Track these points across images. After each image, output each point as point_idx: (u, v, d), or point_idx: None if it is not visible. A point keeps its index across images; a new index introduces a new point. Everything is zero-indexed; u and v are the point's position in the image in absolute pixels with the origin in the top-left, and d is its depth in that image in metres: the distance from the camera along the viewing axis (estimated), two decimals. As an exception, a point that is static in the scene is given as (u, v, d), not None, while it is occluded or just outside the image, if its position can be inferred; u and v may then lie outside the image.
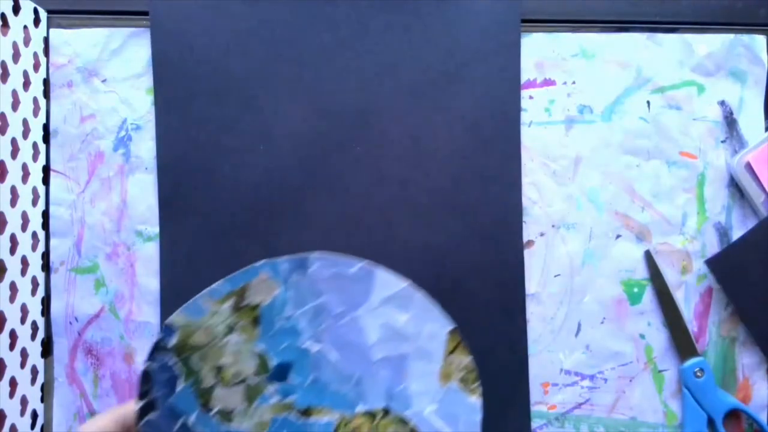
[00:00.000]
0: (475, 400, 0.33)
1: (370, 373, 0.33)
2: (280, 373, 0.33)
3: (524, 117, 0.40)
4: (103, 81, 0.40)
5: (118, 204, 0.39)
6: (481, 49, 0.40)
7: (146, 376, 0.31)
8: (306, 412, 0.33)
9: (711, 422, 0.39)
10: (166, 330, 0.32)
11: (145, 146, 0.40)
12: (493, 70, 0.40)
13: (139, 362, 0.39)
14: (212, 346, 0.33)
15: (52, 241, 0.39)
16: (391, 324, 0.34)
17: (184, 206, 0.39)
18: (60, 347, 0.39)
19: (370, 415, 0.33)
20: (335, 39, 0.39)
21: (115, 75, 0.40)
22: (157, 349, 0.32)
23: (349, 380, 0.33)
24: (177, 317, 0.32)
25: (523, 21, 0.41)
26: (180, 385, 0.32)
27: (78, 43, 0.39)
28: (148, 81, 0.40)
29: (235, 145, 0.39)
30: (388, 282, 0.33)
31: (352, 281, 0.33)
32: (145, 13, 0.40)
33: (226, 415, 0.32)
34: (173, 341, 0.32)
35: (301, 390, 0.33)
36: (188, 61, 0.39)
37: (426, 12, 0.40)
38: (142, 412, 0.31)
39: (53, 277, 0.39)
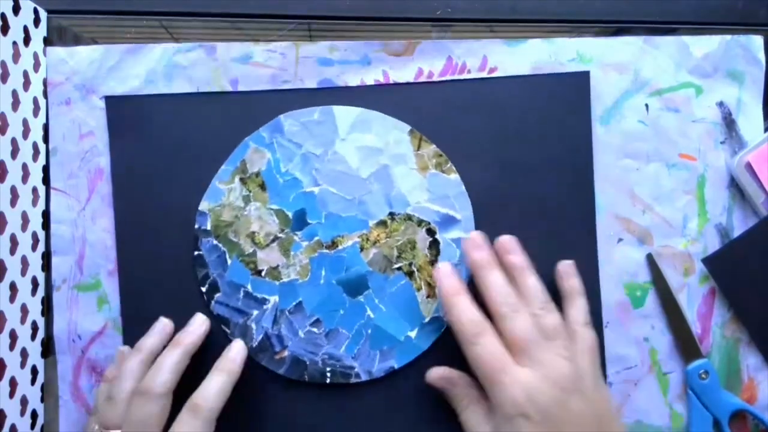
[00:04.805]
0: (455, 177, 0.39)
1: (366, 191, 0.38)
2: (299, 220, 0.38)
3: (523, 123, 0.40)
4: (101, 98, 0.39)
5: (119, 220, 0.39)
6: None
7: (200, 261, 0.38)
8: (333, 245, 0.38)
9: (717, 423, 0.39)
10: (200, 217, 0.38)
11: (145, 162, 0.39)
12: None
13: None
14: (239, 218, 0.38)
15: (54, 260, 0.39)
16: (363, 145, 0.38)
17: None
18: (64, 365, 0.39)
19: (382, 223, 0.38)
20: None
21: (112, 91, 0.39)
22: (199, 235, 0.38)
23: (353, 204, 0.38)
24: (203, 205, 0.38)
25: (521, 21, 0.41)
26: (229, 260, 0.38)
27: (75, 60, 0.39)
28: (145, 96, 0.40)
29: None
30: (346, 113, 0.39)
31: (319, 124, 0.39)
32: (145, 13, 0.40)
33: (275, 273, 0.38)
34: (208, 224, 0.38)
35: (321, 228, 0.38)
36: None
37: None
38: (208, 295, 0.38)
39: (56, 295, 0.39)
